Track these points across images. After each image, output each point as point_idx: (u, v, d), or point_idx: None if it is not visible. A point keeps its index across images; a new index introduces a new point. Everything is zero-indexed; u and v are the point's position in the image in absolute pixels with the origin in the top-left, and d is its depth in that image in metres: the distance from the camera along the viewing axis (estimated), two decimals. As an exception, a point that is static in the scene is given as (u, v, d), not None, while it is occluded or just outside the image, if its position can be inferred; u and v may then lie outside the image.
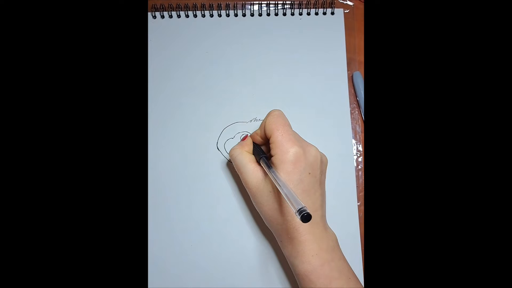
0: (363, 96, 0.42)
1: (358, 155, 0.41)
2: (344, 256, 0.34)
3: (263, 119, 0.36)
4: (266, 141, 0.36)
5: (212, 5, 0.44)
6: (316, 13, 0.44)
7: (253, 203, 0.36)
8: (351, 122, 0.42)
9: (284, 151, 0.32)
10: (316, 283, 0.31)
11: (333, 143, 0.41)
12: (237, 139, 0.41)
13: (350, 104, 0.42)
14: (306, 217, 0.26)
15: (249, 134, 0.39)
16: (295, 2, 0.44)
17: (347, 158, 0.41)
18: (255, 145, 0.37)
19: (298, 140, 0.33)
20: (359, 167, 0.41)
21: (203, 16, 0.44)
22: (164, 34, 0.44)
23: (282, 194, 0.29)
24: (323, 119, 0.42)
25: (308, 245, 0.32)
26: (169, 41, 0.43)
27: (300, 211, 0.26)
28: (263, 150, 0.37)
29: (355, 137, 0.42)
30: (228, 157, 0.41)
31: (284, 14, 0.44)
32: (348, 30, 0.44)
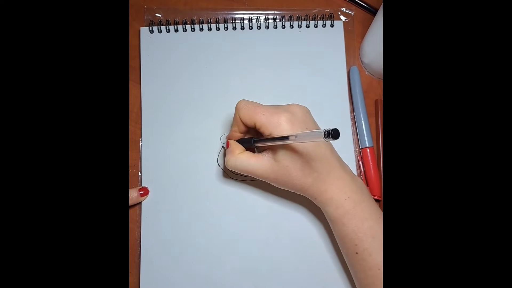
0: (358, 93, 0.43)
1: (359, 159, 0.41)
2: (372, 197, 0.35)
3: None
4: (247, 131, 0.36)
5: (210, 19, 0.44)
6: (316, 26, 0.44)
7: (281, 187, 0.35)
8: (352, 129, 0.41)
9: (276, 124, 0.32)
10: (348, 225, 0.33)
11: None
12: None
13: (350, 114, 0.42)
14: (334, 134, 0.24)
15: (226, 138, 0.39)
16: (294, 15, 0.44)
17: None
18: (241, 141, 0.37)
19: (278, 108, 0.34)
20: (360, 170, 0.40)
21: (201, 30, 0.44)
22: (161, 49, 0.43)
23: (300, 141, 0.28)
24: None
25: (339, 191, 0.33)
26: (166, 56, 0.43)
27: (326, 132, 0.25)
28: (249, 138, 0.36)
29: (356, 144, 0.41)
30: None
31: (283, 27, 0.44)
32: (349, 34, 0.44)
